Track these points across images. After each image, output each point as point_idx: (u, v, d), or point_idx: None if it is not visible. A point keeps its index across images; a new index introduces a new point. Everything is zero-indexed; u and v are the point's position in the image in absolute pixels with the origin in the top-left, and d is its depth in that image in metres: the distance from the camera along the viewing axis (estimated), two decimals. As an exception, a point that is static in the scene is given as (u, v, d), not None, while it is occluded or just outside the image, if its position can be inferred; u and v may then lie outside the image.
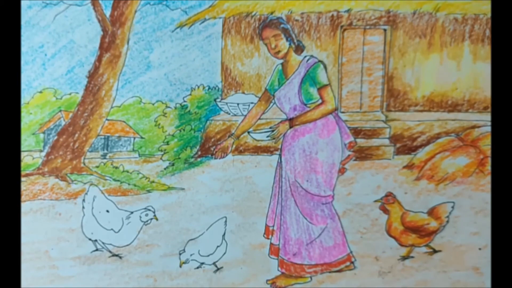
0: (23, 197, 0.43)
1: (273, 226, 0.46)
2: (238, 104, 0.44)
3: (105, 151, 0.43)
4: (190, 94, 0.43)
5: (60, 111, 0.42)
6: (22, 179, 0.43)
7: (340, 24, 0.44)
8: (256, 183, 0.44)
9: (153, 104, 0.43)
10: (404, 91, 0.44)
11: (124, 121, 0.43)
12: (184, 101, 0.43)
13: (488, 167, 0.45)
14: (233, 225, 0.50)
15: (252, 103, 0.44)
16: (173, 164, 0.44)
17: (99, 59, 0.42)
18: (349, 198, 0.45)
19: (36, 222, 0.43)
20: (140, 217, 0.48)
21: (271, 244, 0.46)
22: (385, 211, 0.45)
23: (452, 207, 0.46)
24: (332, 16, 0.44)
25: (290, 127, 0.44)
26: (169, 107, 0.43)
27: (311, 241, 0.46)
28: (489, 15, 0.44)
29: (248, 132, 0.44)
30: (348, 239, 0.46)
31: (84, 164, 0.43)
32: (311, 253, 0.46)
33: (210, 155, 0.44)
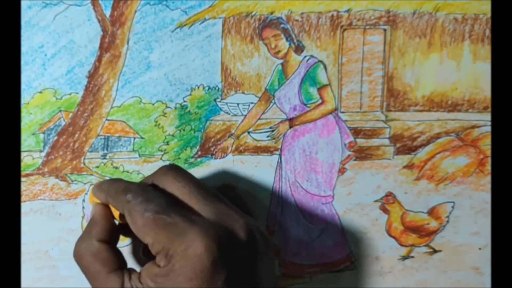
0: (23, 197, 0.43)
1: (273, 226, 0.46)
2: (238, 104, 0.44)
3: (105, 151, 0.43)
4: (190, 94, 0.43)
5: (60, 111, 0.42)
6: (22, 179, 0.42)
7: (340, 24, 0.44)
8: (256, 183, 0.44)
9: (153, 104, 0.43)
10: (404, 91, 0.44)
11: (124, 121, 0.43)
12: (184, 101, 0.43)
13: (488, 167, 0.45)
14: (233, 225, 0.50)
15: (252, 103, 0.44)
16: (173, 164, 0.44)
17: (99, 59, 0.42)
18: (349, 198, 0.45)
19: (36, 222, 0.43)
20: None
21: (271, 244, 0.46)
22: (385, 211, 0.45)
23: (452, 207, 0.46)
24: (332, 16, 0.44)
25: (290, 127, 0.45)
26: (169, 107, 0.43)
27: (311, 241, 0.46)
28: (489, 15, 0.44)
29: (248, 132, 0.44)
30: (348, 239, 0.46)
31: (84, 164, 0.43)
32: (311, 253, 0.46)
33: (210, 155, 0.44)
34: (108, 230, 0.37)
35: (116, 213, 0.37)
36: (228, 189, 0.40)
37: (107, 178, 0.43)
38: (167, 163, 0.43)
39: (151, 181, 0.37)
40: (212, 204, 0.34)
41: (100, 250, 0.36)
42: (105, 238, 0.37)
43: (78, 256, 0.36)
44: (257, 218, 0.40)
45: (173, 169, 0.37)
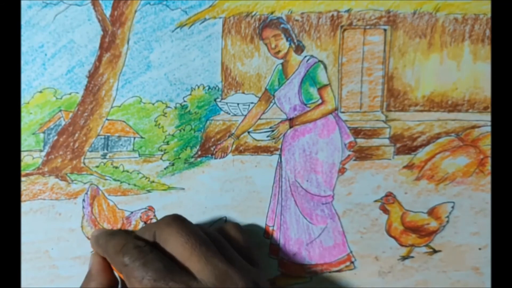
0: (23, 197, 0.43)
1: (273, 226, 0.46)
2: (238, 104, 0.44)
3: (105, 151, 0.43)
4: (190, 94, 0.43)
5: (60, 111, 0.42)
6: (22, 179, 0.42)
7: (340, 24, 0.44)
8: (256, 183, 0.44)
9: (153, 104, 0.43)
10: (404, 91, 0.44)
11: (124, 121, 0.43)
12: (184, 101, 0.43)
13: (488, 167, 0.45)
14: (233, 225, 0.50)
15: (252, 103, 0.44)
16: (173, 164, 0.44)
17: (99, 59, 0.42)
18: (349, 198, 0.45)
19: (36, 222, 0.43)
20: (140, 216, 0.48)
21: (271, 244, 0.46)
22: (385, 211, 0.45)
23: (452, 207, 0.46)
24: (332, 16, 0.44)
25: (290, 127, 0.45)
26: (169, 107, 0.43)
27: (311, 241, 0.46)
28: (489, 15, 0.44)
29: (248, 132, 0.44)
30: (348, 239, 0.46)
31: (84, 164, 0.43)
32: (311, 253, 0.46)
33: (210, 155, 0.44)
34: (106, 285, 0.37)
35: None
36: (228, 229, 0.40)
37: (107, 178, 0.43)
38: (167, 163, 0.43)
39: (153, 231, 0.37)
40: (212, 264, 0.34)
41: None
42: None
43: None
44: (257, 259, 0.41)
45: (177, 221, 0.37)
